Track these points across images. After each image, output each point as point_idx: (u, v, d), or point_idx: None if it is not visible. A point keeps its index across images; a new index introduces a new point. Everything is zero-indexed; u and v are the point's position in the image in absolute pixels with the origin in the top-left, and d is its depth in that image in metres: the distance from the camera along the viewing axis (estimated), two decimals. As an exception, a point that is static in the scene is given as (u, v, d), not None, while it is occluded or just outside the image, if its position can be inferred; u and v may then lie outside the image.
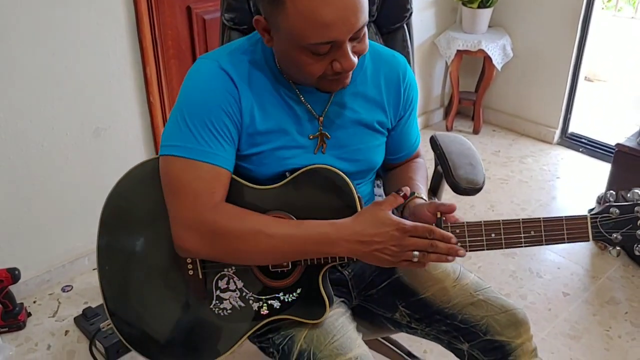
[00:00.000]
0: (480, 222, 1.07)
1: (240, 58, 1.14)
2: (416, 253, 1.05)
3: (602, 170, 3.16)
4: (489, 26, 3.43)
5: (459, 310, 1.24)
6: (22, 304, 2.08)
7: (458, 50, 3.33)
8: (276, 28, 1.03)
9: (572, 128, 3.52)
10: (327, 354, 1.11)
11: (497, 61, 3.34)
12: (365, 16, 1.02)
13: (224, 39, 1.54)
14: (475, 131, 3.62)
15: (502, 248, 1.07)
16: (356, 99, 1.21)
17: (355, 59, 1.05)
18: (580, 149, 3.45)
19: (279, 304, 1.17)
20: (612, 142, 2.51)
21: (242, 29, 1.52)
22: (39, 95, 2.01)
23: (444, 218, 1.09)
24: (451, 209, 1.09)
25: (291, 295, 1.17)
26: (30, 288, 2.20)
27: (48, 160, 2.10)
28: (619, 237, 1.03)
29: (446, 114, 3.77)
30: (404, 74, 1.25)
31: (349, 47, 1.03)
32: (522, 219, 1.05)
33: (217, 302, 1.17)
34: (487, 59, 3.34)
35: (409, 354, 1.86)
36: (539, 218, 1.05)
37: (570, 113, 3.47)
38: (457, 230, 1.08)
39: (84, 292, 2.23)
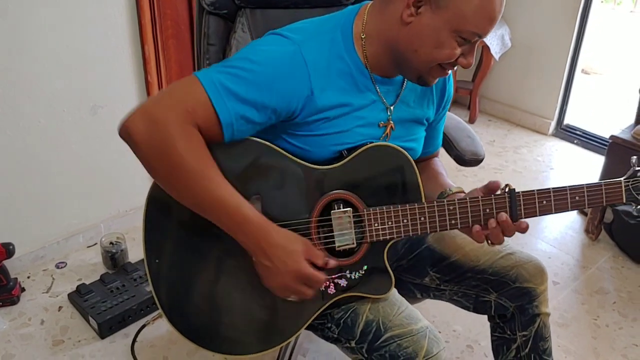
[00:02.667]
0: (534, 190, 1.14)
1: (322, 43, 1.11)
2: (292, 298, 1.11)
3: (595, 162, 3.19)
4: (488, 15, 3.43)
5: (490, 265, 1.34)
6: (15, 279, 2.09)
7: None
8: (439, 5, 1.04)
9: (568, 120, 3.54)
10: (398, 324, 1.16)
11: (495, 51, 3.35)
12: None
13: (202, 23, 1.52)
14: (471, 120, 3.64)
15: (552, 213, 1.16)
16: (411, 94, 1.24)
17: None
18: (575, 141, 3.47)
19: (346, 282, 1.19)
20: (607, 135, 2.53)
21: (222, 14, 1.51)
22: (37, 72, 2.00)
23: (514, 188, 1.15)
24: (497, 184, 1.14)
25: (358, 273, 1.19)
26: (24, 264, 2.21)
27: (45, 136, 2.10)
28: None
29: (443, 103, 3.78)
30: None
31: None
32: (569, 186, 1.14)
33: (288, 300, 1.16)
34: (486, 48, 3.35)
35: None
36: (582, 184, 1.14)
37: (566, 105, 3.49)
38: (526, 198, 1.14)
39: (78, 269, 2.24)
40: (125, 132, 1.02)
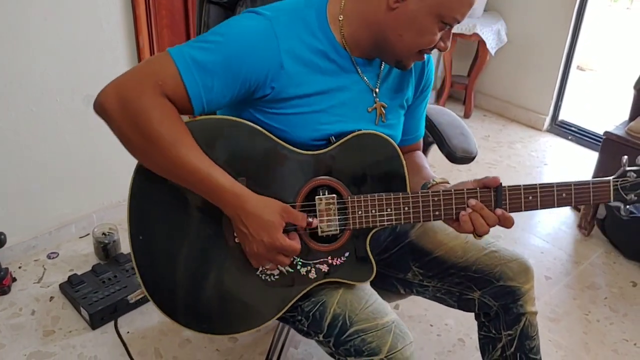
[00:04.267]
0: (520, 185, 1.14)
1: (294, 20, 1.12)
2: (267, 267, 1.15)
3: (589, 158, 3.20)
4: (485, 10, 3.43)
5: (473, 262, 1.33)
6: (7, 268, 2.08)
7: (452, 34, 3.32)
8: None
9: (562, 116, 3.54)
10: (364, 318, 1.16)
11: (491, 46, 3.34)
12: None
13: (203, 12, 1.51)
14: (466, 115, 3.64)
15: (537, 209, 1.16)
16: (390, 76, 1.25)
17: None
18: (569, 137, 3.47)
19: (327, 267, 1.19)
20: (601, 131, 2.54)
21: (222, 2, 1.50)
22: (29, 60, 1.99)
23: (504, 186, 1.15)
24: (496, 181, 1.14)
25: (339, 259, 1.20)
26: (15, 254, 2.20)
27: (37, 125, 2.09)
28: (634, 197, 1.14)
29: (438, 97, 3.78)
30: (429, 58, 1.31)
31: None
32: (556, 183, 1.14)
33: (263, 268, 1.17)
34: (482, 43, 3.34)
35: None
36: (570, 182, 1.14)
37: (561, 101, 3.50)
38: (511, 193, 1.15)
39: (70, 259, 2.23)
40: (100, 107, 1.04)
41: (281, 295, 1.19)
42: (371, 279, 1.21)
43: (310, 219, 1.13)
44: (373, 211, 1.16)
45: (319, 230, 1.16)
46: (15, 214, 2.16)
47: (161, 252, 1.15)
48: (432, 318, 2.05)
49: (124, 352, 1.85)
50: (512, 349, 1.35)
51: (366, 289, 1.24)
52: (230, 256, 1.16)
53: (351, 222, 1.16)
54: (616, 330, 2.07)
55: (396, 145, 1.18)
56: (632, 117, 2.46)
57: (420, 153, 1.44)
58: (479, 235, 1.15)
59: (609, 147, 2.41)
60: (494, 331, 1.36)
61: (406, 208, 1.16)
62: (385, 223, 1.17)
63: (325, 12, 1.14)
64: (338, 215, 1.16)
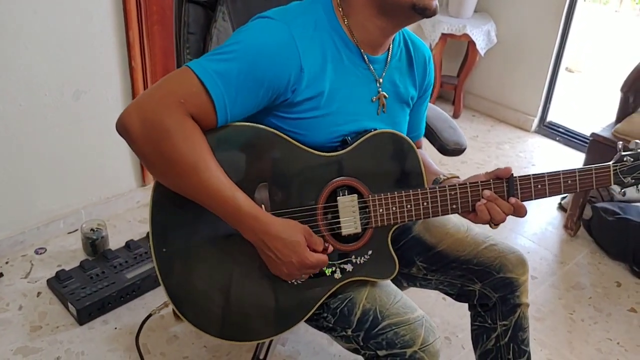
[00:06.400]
0: (530, 175, 1.19)
1: (307, 22, 1.12)
2: (294, 282, 1.17)
3: (576, 159, 3.23)
4: (475, 11, 3.45)
5: (474, 255, 1.38)
6: (-6, 263, 2.07)
7: (443, 34, 3.35)
8: None
9: (550, 117, 3.57)
10: (395, 312, 1.19)
11: (481, 46, 3.37)
12: None
13: (182, 12, 1.50)
14: (455, 115, 3.66)
15: (546, 196, 1.21)
16: (397, 72, 1.27)
17: None
18: (557, 138, 3.50)
19: (352, 267, 1.21)
20: (588, 133, 2.56)
21: (202, 2, 1.49)
22: (18, 53, 1.98)
23: (515, 176, 1.19)
24: (508, 171, 1.18)
25: (363, 257, 1.22)
26: (2, 249, 2.19)
27: (25, 119, 2.08)
28: (631, 180, 1.21)
29: (428, 97, 3.79)
30: (429, 57, 1.34)
31: None
32: (562, 171, 1.20)
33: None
34: (471, 43, 3.36)
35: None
36: (574, 169, 1.21)
37: (550, 102, 3.52)
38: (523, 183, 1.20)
39: (58, 255, 2.22)
40: (122, 128, 1.03)
41: (308, 297, 1.20)
42: (395, 274, 1.24)
43: (326, 245, 1.15)
44: (393, 208, 1.19)
45: (342, 230, 1.18)
46: (3, 209, 2.15)
47: (186, 264, 1.13)
48: (419, 316, 2.06)
49: (111, 348, 1.85)
50: (506, 339, 1.39)
51: (391, 285, 1.28)
52: (256, 263, 1.15)
53: (373, 220, 1.19)
54: (600, 329, 2.09)
55: (412, 142, 1.21)
56: (619, 119, 2.49)
57: (422, 151, 1.47)
58: (495, 224, 1.19)
59: (596, 149, 2.44)
60: (489, 321, 1.40)
61: (425, 203, 1.19)
62: (406, 219, 1.20)
63: (331, 7, 1.15)
64: (360, 215, 1.19)
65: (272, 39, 1.07)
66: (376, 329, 1.17)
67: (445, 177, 1.29)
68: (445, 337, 2.00)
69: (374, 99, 1.23)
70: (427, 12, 1.10)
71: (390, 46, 1.24)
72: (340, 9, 1.15)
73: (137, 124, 1.01)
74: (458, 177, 1.29)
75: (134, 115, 1.01)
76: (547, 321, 2.11)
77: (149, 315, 1.73)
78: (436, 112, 1.70)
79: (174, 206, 1.11)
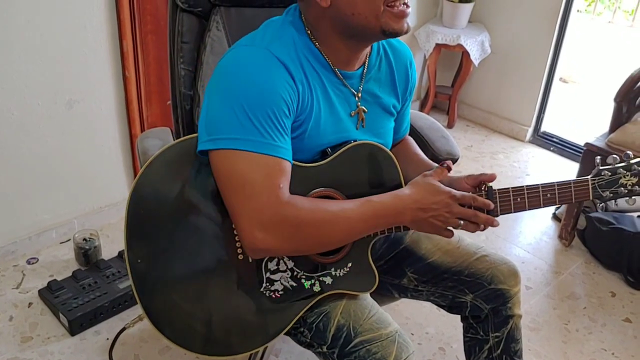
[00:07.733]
0: (509, 188, 1.19)
1: (287, 44, 1.12)
2: (461, 222, 1.15)
3: (570, 169, 3.24)
4: (469, 21, 3.46)
5: (466, 266, 1.37)
6: (-15, 274, 2.06)
7: (437, 44, 3.36)
8: None
9: (545, 127, 3.58)
10: (368, 328, 1.17)
11: (475, 57, 3.37)
12: None
13: (176, 21, 1.50)
14: (450, 125, 3.66)
15: (525, 210, 1.20)
16: (376, 84, 1.26)
17: None
18: (551, 148, 3.51)
19: (331, 279, 1.21)
20: (582, 142, 2.57)
21: (196, 11, 1.50)
22: (10, 62, 1.97)
23: (491, 186, 1.18)
24: (492, 177, 1.19)
25: (342, 270, 1.21)
26: (-6, 258, 2.17)
27: (18, 129, 2.07)
28: (609, 194, 1.21)
29: (422, 107, 3.80)
30: (410, 61, 1.33)
31: None
32: (541, 184, 1.20)
33: (267, 284, 1.16)
34: (465, 54, 3.37)
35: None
36: (553, 182, 1.20)
37: (544, 112, 3.53)
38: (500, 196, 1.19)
39: (50, 265, 2.21)
40: (262, 252, 1.07)
41: (286, 310, 1.19)
42: (374, 287, 1.23)
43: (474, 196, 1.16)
44: None
45: None
46: (-5, 219, 2.14)
47: (162, 276, 1.11)
48: (413, 327, 2.06)
49: (103, 358, 1.83)
50: (499, 351, 1.38)
51: (367, 299, 1.26)
52: (233, 276, 1.14)
53: None
54: (595, 340, 2.09)
55: (391, 153, 1.21)
56: (612, 129, 2.49)
57: (409, 139, 1.46)
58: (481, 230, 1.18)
59: (590, 159, 2.43)
60: (482, 333, 1.39)
61: None
62: (386, 232, 1.18)
63: (303, 27, 1.15)
64: None
65: (264, 70, 1.07)
66: (349, 346, 1.16)
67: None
68: (440, 347, 1.99)
69: (352, 114, 1.22)
70: (398, 35, 1.12)
71: (367, 58, 1.23)
72: (309, 32, 1.15)
73: (278, 239, 1.04)
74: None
75: (265, 236, 1.02)
76: (541, 331, 2.10)
77: (123, 329, 1.73)
78: (429, 121, 1.70)
79: (151, 218, 1.10)
